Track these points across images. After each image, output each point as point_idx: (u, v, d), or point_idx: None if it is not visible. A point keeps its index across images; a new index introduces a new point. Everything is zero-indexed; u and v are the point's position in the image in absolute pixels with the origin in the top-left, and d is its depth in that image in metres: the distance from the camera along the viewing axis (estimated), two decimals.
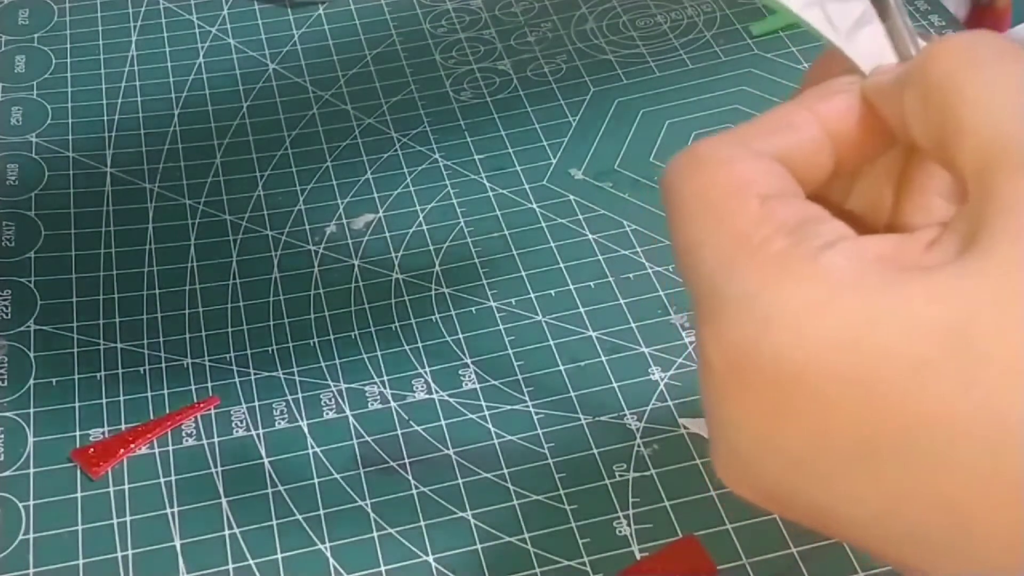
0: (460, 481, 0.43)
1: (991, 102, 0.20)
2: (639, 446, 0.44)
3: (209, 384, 0.47)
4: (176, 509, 0.42)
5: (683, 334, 0.48)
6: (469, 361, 0.47)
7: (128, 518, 0.42)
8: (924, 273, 0.19)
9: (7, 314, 0.49)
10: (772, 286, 0.20)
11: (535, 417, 0.45)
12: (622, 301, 0.49)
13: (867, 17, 0.26)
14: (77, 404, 0.46)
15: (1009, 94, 0.20)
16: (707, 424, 0.22)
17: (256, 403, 0.46)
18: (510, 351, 0.48)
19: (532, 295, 0.50)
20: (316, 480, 0.43)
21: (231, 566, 0.41)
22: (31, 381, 0.47)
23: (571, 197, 0.54)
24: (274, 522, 0.42)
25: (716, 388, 0.21)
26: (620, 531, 0.42)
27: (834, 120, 0.24)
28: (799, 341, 0.19)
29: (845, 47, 0.26)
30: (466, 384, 0.47)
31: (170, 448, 0.45)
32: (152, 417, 0.45)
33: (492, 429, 0.45)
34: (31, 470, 0.44)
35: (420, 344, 0.48)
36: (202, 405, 0.46)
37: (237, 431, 0.45)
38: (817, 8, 0.26)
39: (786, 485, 0.21)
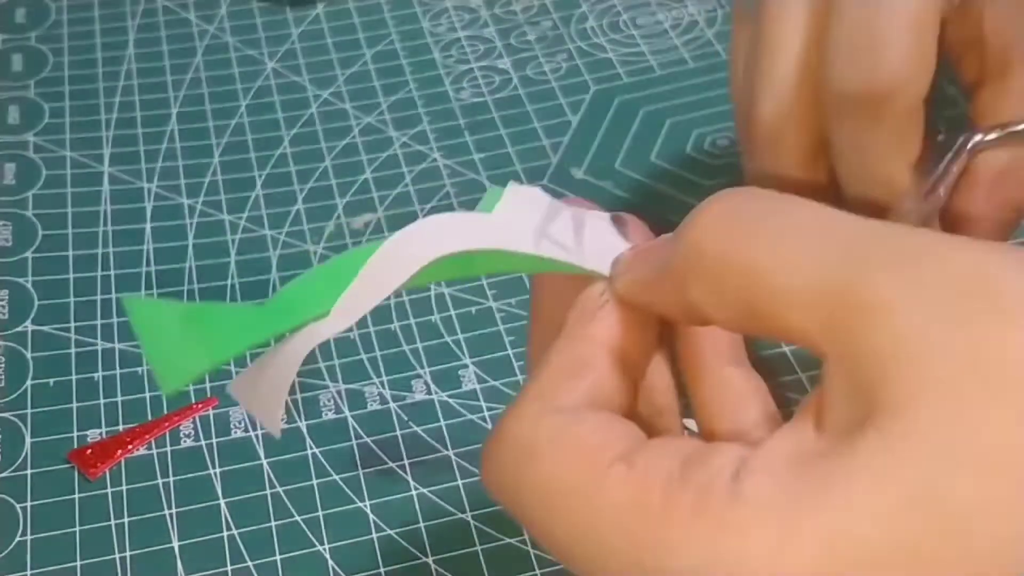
0: (460, 482, 0.43)
1: (800, 260, 0.19)
2: None
3: (207, 385, 0.46)
4: (174, 510, 0.42)
5: None
6: (469, 361, 0.47)
7: (126, 519, 0.42)
8: (851, 456, 0.18)
9: (4, 314, 0.49)
10: (719, 546, 0.19)
11: None
12: None
13: (578, 219, 0.25)
14: (75, 405, 0.46)
15: (815, 244, 0.19)
16: None
17: None
18: (510, 351, 0.47)
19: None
20: (315, 481, 0.43)
21: (229, 568, 0.41)
22: (28, 382, 0.47)
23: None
24: (273, 523, 0.42)
25: None
26: None
27: (613, 337, 0.23)
28: None
29: (585, 262, 0.24)
30: (466, 384, 0.46)
31: (168, 449, 0.44)
32: (150, 418, 0.45)
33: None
34: (28, 471, 0.44)
35: (420, 344, 0.48)
36: (200, 406, 0.46)
37: (235, 432, 0.45)
38: (545, 240, 0.25)
39: None
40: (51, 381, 0.47)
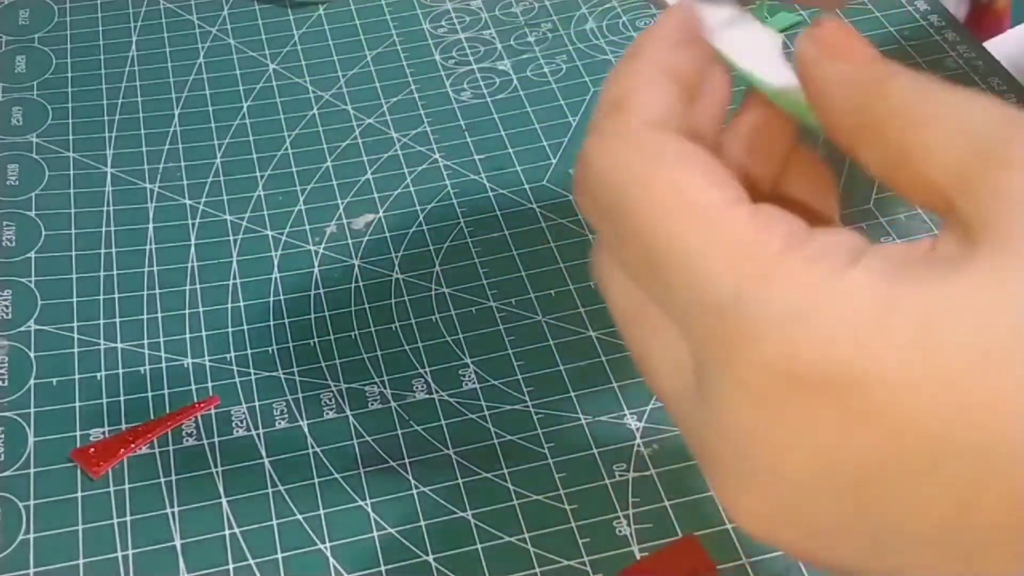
0: (460, 481, 0.43)
1: (958, 116, 0.21)
2: (639, 446, 0.44)
3: (209, 384, 0.47)
4: (176, 509, 0.43)
5: None
6: (469, 361, 0.47)
7: (128, 518, 0.42)
8: (964, 265, 0.19)
9: (8, 314, 0.49)
10: (825, 298, 0.19)
11: (535, 417, 0.45)
12: None
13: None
14: (77, 404, 0.46)
15: (971, 107, 0.21)
16: (731, 461, 0.21)
17: (256, 403, 0.46)
18: (510, 351, 0.48)
19: (532, 295, 0.50)
20: (316, 480, 0.43)
21: (231, 566, 0.41)
22: (31, 381, 0.47)
23: (571, 197, 0.54)
24: (274, 522, 0.42)
25: (763, 415, 0.20)
26: (620, 531, 0.42)
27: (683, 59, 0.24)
28: (867, 352, 0.19)
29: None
30: (466, 384, 0.47)
31: (170, 448, 0.45)
32: (152, 417, 0.45)
33: (492, 429, 0.45)
34: (31, 470, 0.44)
35: (420, 344, 0.48)
36: (202, 405, 0.46)
37: (237, 431, 0.45)
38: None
39: (842, 510, 0.20)
40: (54, 380, 0.47)
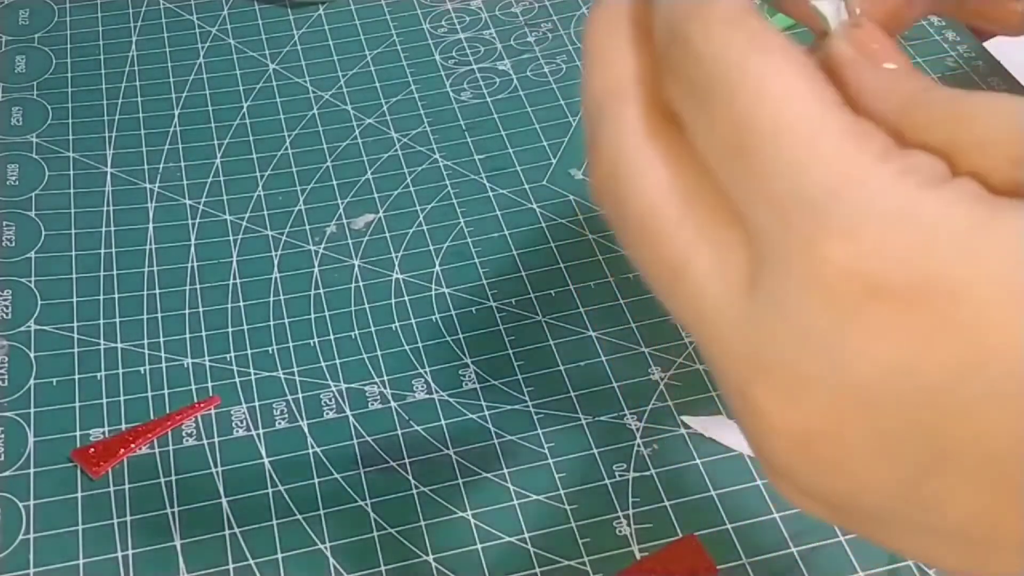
0: (460, 481, 0.43)
1: (1007, 106, 0.20)
2: (639, 446, 0.44)
3: (209, 384, 0.47)
4: (176, 509, 0.43)
5: (683, 334, 0.48)
6: (469, 361, 0.47)
7: (128, 518, 0.42)
8: None
9: (8, 314, 0.49)
10: (926, 202, 0.19)
11: (535, 417, 0.45)
12: (622, 301, 0.49)
13: None
14: (77, 404, 0.46)
15: (1012, 100, 0.20)
16: (771, 377, 0.20)
17: (256, 403, 0.46)
18: (510, 351, 0.48)
19: (532, 295, 0.50)
20: (316, 480, 0.43)
21: (231, 566, 0.41)
22: (31, 381, 0.47)
23: (571, 197, 0.54)
24: (274, 522, 0.42)
25: (838, 312, 0.19)
26: (620, 531, 0.42)
27: None
28: (961, 262, 0.19)
29: None
30: (466, 384, 0.47)
31: (170, 448, 0.45)
32: (152, 417, 0.45)
33: (492, 429, 0.45)
34: (31, 470, 0.44)
35: (420, 344, 0.48)
36: (202, 405, 0.46)
37: (237, 431, 0.45)
38: None
39: (897, 426, 0.20)
40: (54, 380, 0.47)
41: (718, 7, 0.22)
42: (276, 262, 0.52)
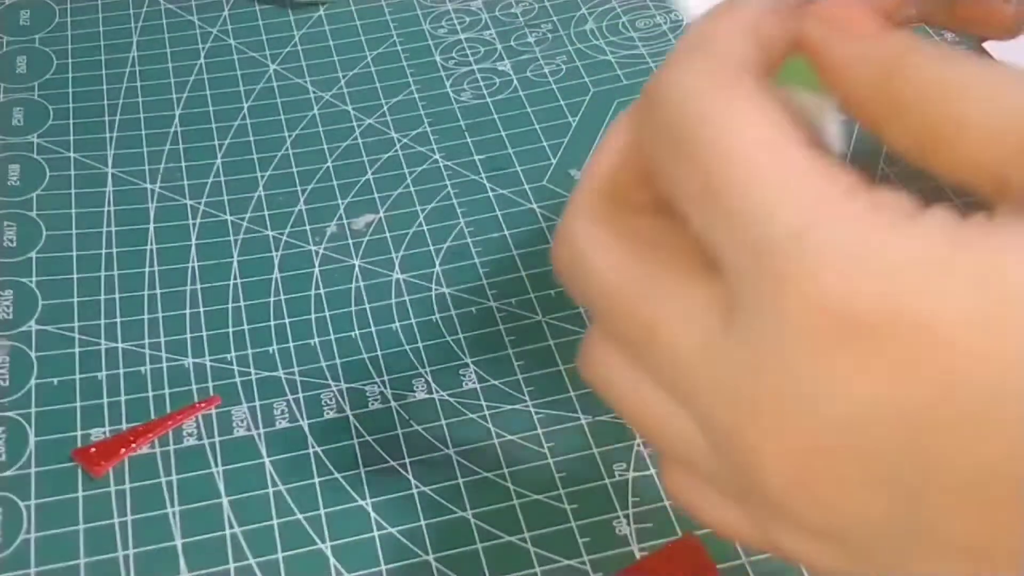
0: (460, 481, 0.43)
1: (988, 86, 0.20)
2: (639, 445, 0.44)
3: (210, 384, 0.47)
4: (177, 508, 0.43)
5: None
6: (469, 361, 0.48)
7: (129, 517, 0.42)
8: (1008, 228, 0.19)
9: (9, 314, 0.50)
10: (890, 241, 0.19)
11: (535, 417, 0.45)
12: None
13: None
14: (78, 404, 0.46)
15: (998, 76, 0.20)
16: (750, 413, 0.21)
17: (257, 403, 0.46)
18: (510, 351, 0.48)
19: (532, 295, 0.50)
20: (317, 480, 0.43)
21: (232, 565, 0.41)
22: (32, 381, 0.47)
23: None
24: (275, 521, 0.42)
25: (811, 352, 0.20)
26: (620, 530, 0.42)
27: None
28: (928, 295, 0.19)
29: None
30: (466, 384, 0.47)
31: (171, 447, 0.45)
32: (153, 417, 0.46)
33: (492, 429, 0.45)
34: (32, 469, 0.44)
35: (420, 344, 0.48)
36: (203, 405, 0.46)
37: (238, 431, 0.45)
38: None
39: (880, 458, 0.20)
40: (55, 380, 0.47)
41: (687, 56, 0.23)
42: (277, 262, 0.52)
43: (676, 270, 0.23)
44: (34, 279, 0.51)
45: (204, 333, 0.49)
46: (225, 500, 0.43)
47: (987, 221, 0.20)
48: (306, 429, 0.45)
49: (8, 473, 0.44)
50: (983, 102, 0.20)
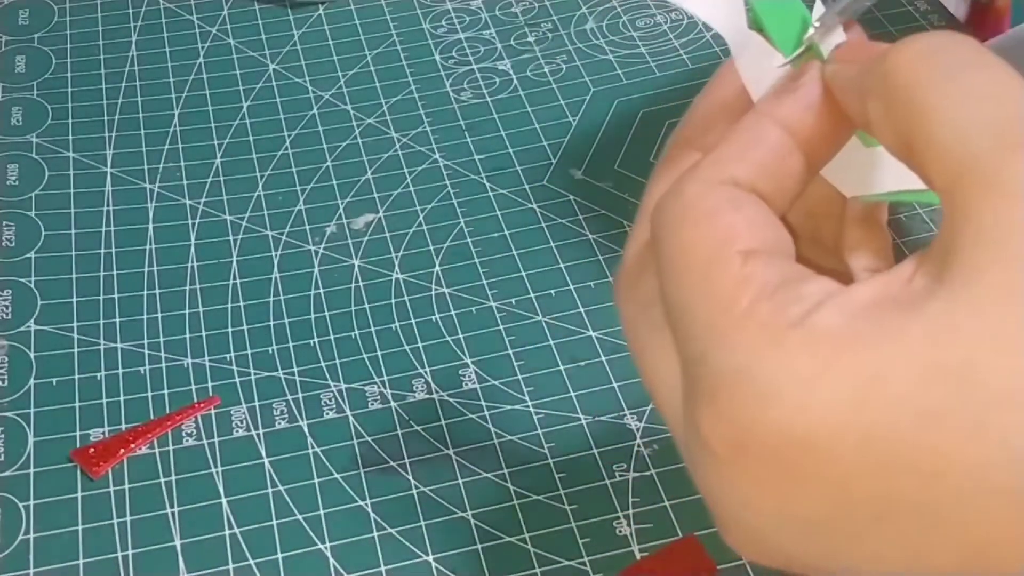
0: (460, 481, 0.43)
1: (957, 117, 0.20)
2: (639, 446, 0.44)
3: (209, 384, 0.47)
4: (176, 509, 0.43)
5: None
6: (469, 361, 0.47)
7: (128, 518, 0.42)
8: (915, 313, 0.19)
9: (7, 314, 0.49)
10: (767, 358, 0.20)
11: (535, 417, 0.45)
12: None
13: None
14: (77, 404, 0.46)
15: (975, 108, 0.20)
16: (708, 501, 0.22)
17: (256, 403, 0.46)
18: (510, 351, 0.48)
19: (532, 295, 0.50)
20: (316, 480, 0.43)
21: (231, 566, 0.41)
22: (31, 381, 0.47)
23: (571, 197, 0.54)
24: (274, 522, 0.42)
25: (718, 470, 0.21)
26: (620, 531, 0.42)
27: (801, 120, 0.24)
28: (804, 412, 0.19)
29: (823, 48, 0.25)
30: (466, 384, 0.47)
31: (170, 448, 0.45)
32: (152, 417, 0.45)
33: (492, 429, 0.45)
34: (31, 470, 0.44)
35: (420, 344, 0.48)
36: (202, 405, 0.46)
37: (237, 431, 0.45)
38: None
39: (807, 551, 0.21)
40: (54, 380, 0.47)
41: (672, 164, 0.25)
42: (276, 262, 0.52)
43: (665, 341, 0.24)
44: (33, 279, 0.51)
45: (203, 333, 0.49)
46: (224, 500, 0.43)
47: (904, 288, 0.20)
48: (305, 429, 0.45)
49: (7, 473, 0.44)
50: (946, 128, 0.20)
